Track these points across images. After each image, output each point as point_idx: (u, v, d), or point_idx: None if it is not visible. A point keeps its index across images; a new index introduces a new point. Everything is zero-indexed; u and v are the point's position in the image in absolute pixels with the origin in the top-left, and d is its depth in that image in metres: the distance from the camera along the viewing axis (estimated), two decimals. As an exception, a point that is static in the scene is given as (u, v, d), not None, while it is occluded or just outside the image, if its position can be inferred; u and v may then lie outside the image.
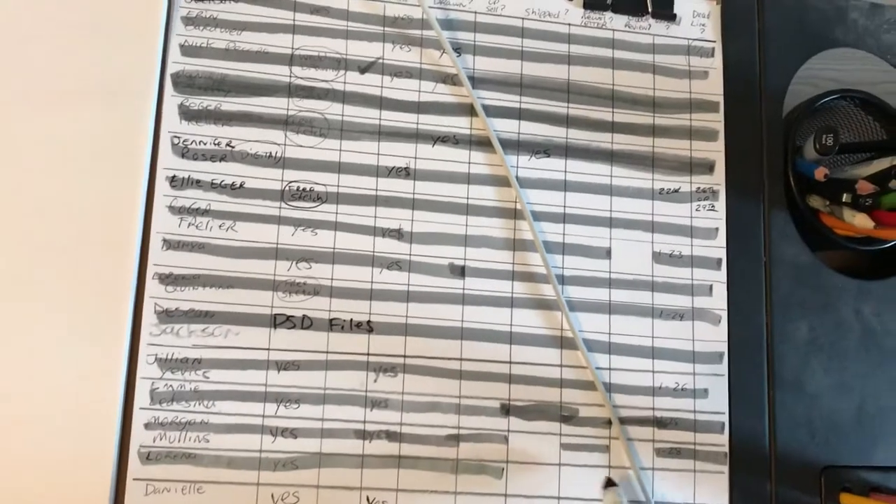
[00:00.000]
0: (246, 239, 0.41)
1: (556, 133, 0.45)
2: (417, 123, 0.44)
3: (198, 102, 0.42)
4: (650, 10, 0.47)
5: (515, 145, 0.45)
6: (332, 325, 0.41)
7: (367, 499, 0.39)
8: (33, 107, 0.40)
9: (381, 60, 0.44)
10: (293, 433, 0.39)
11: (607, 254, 0.44)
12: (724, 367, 0.44)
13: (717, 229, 0.45)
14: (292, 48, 0.43)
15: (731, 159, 0.46)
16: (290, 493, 0.38)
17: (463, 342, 0.42)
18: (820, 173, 0.44)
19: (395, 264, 0.42)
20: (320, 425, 0.40)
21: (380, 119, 0.43)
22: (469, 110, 0.44)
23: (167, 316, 0.39)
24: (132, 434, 0.38)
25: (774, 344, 0.44)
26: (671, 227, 0.45)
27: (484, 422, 0.41)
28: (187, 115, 0.42)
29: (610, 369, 0.43)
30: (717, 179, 0.46)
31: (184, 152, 0.41)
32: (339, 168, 0.43)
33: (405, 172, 0.43)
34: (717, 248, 0.45)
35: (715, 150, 0.46)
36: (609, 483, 0.41)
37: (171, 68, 0.42)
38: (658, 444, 0.42)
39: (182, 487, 0.38)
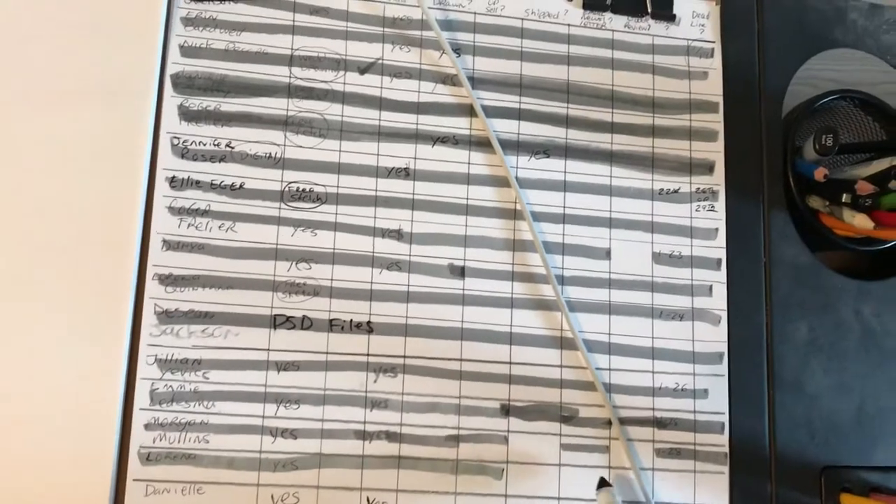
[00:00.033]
0: (246, 239, 0.41)
1: (555, 133, 0.45)
2: (417, 124, 0.44)
3: (197, 103, 0.42)
4: (650, 10, 0.47)
5: (515, 146, 0.45)
6: (331, 325, 0.41)
7: (367, 499, 0.39)
8: (33, 107, 0.40)
9: (380, 61, 0.44)
10: (293, 434, 0.39)
11: (607, 254, 0.44)
12: (724, 368, 0.44)
13: (716, 230, 0.45)
14: (292, 49, 0.43)
15: (731, 160, 0.46)
16: (290, 493, 0.38)
17: (463, 343, 0.42)
18: (819, 174, 0.44)
19: (394, 265, 0.42)
20: (320, 426, 0.40)
21: (379, 120, 0.43)
22: (469, 111, 0.44)
23: (167, 316, 0.39)
24: (132, 434, 0.38)
25: (774, 344, 0.44)
26: (671, 228, 0.45)
27: (484, 422, 0.41)
28: (187, 115, 0.42)
29: (610, 370, 0.43)
30: (717, 180, 0.46)
31: (183, 153, 0.41)
32: (339, 169, 0.43)
33: (405, 173, 0.43)
34: (716, 248, 0.45)
35: (714, 151, 0.46)
36: (602, 483, 0.40)
37: (171, 69, 0.42)
38: (658, 444, 0.42)
39: (182, 488, 0.38)
